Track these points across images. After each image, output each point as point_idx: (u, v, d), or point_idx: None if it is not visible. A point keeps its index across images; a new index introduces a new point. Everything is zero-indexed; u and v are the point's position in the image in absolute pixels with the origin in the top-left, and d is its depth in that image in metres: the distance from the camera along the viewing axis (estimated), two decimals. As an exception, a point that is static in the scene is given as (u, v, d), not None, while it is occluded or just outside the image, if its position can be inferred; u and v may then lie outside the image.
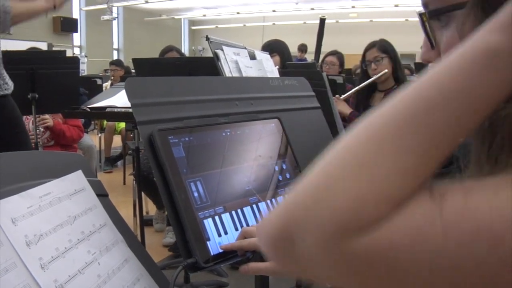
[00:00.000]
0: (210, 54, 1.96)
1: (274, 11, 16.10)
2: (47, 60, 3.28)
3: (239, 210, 1.01)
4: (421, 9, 0.52)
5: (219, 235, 0.95)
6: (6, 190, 0.70)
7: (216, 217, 0.96)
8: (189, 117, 1.03)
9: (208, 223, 0.94)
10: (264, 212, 1.06)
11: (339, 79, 3.54)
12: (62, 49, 7.63)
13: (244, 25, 17.91)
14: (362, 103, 2.94)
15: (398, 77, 2.83)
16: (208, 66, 2.25)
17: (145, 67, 2.84)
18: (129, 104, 0.96)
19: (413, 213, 0.38)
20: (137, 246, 0.88)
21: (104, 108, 2.27)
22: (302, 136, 1.27)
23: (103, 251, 0.79)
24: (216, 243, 0.93)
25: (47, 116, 3.39)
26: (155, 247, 3.29)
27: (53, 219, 0.74)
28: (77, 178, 0.83)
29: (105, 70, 11.25)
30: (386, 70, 2.78)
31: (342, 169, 0.40)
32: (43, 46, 11.78)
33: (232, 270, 2.88)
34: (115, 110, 2.23)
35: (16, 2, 2.08)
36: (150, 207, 4.00)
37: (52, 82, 3.05)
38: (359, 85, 2.93)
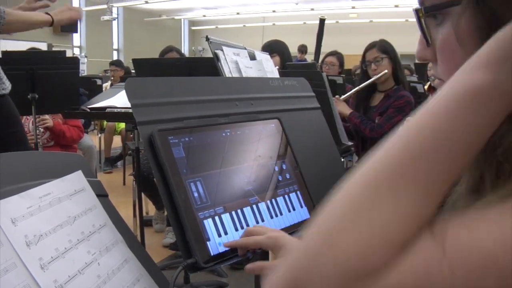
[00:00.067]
0: (210, 55, 1.96)
1: (274, 11, 16.10)
2: (47, 60, 3.28)
3: (239, 210, 1.01)
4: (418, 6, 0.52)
5: (219, 235, 0.95)
6: (6, 190, 0.70)
7: (216, 217, 0.96)
8: (189, 117, 1.03)
9: (208, 223, 0.94)
10: (264, 212, 1.06)
11: (339, 80, 3.54)
12: (62, 49, 7.62)
13: (244, 26, 17.91)
14: (362, 103, 2.94)
15: (398, 78, 2.83)
16: (208, 67, 2.25)
17: (145, 67, 2.84)
18: (129, 105, 0.96)
19: (418, 255, 0.38)
20: (137, 247, 0.88)
21: (104, 108, 2.27)
22: (302, 136, 1.27)
23: (103, 252, 0.79)
24: (216, 243, 0.93)
25: (47, 116, 3.39)
26: (155, 247, 3.29)
27: (53, 219, 0.74)
28: (77, 179, 0.83)
29: (105, 71, 11.25)
30: (386, 71, 2.78)
31: (341, 220, 0.40)
32: (43, 46, 11.79)
33: (232, 270, 2.88)
34: (115, 110, 2.23)
35: (14, 10, 2.07)
36: (150, 208, 4.00)
37: (52, 82, 3.05)
38: (359, 85, 2.93)
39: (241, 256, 0.95)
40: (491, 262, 0.36)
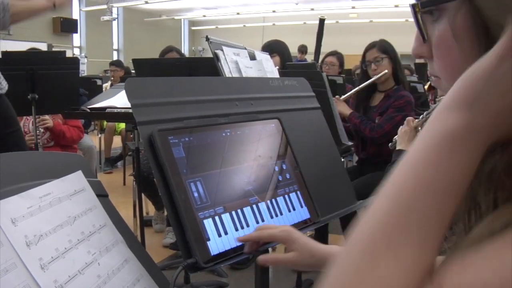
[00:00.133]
0: (210, 55, 1.96)
1: (274, 11, 16.10)
2: (47, 60, 3.27)
3: (239, 210, 1.01)
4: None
5: (219, 235, 0.95)
6: (6, 191, 0.70)
7: (216, 217, 0.96)
8: (189, 117, 1.03)
9: (208, 223, 0.94)
10: (264, 212, 1.06)
11: (339, 80, 3.54)
12: (62, 49, 7.63)
13: (244, 26, 17.91)
14: (362, 103, 2.94)
15: (398, 78, 2.83)
16: (208, 67, 2.25)
17: (145, 67, 2.84)
18: (129, 105, 0.96)
19: None
20: (137, 247, 0.88)
21: (104, 108, 2.27)
22: (302, 136, 1.27)
23: (103, 252, 0.79)
24: (216, 243, 0.93)
25: (47, 116, 3.39)
26: (155, 247, 3.29)
27: (53, 219, 0.74)
28: (77, 179, 0.83)
29: (105, 71, 11.25)
30: (386, 71, 2.78)
31: (347, 285, 0.41)
32: (43, 46, 11.79)
33: (232, 270, 2.88)
34: (115, 110, 2.23)
35: (16, 1, 2.07)
36: (150, 208, 4.00)
37: (52, 82, 3.05)
38: (359, 85, 2.93)
39: (251, 251, 0.97)
40: None
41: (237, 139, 1.08)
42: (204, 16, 18.36)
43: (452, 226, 0.44)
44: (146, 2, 14.61)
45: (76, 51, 14.86)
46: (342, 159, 2.40)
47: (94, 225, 0.80)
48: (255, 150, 1.10)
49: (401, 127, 1.96)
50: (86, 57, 13.69)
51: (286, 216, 1.09)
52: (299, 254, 0.90)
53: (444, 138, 0.41)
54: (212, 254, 0.92)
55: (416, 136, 1.88)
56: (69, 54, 11.11)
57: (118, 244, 0.83)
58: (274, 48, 3.28)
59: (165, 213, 3.50)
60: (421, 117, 1.93)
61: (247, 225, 1.01)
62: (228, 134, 1.07)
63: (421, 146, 0.42)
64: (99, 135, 6.10)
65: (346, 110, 2.88)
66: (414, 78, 5.51)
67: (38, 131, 3.24)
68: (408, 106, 2.72)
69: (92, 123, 6.59)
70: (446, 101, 0.43)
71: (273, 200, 1.09)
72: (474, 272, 0.38)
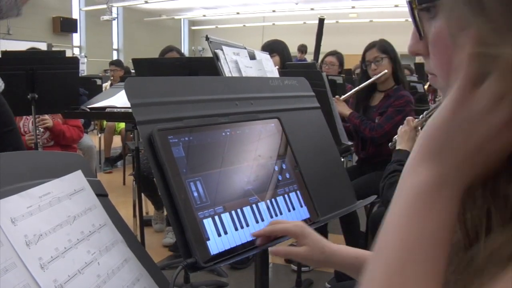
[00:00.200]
0: (210, 54, 1.96)
1: (274, 11, 16.10)
2: (47, 60, 3.27)
3: (238, 210, 1.01)
4: None
5: (219, 235, 0.95)
6: (6, 190, 0.70)
7: (216, 217, 0.96)
8: (189, 117, 1.03)
9: (208, 223, 0.94)
10: (264, 212, 1.06)
11: (339, 79, 3.55)
12: (62, 49, 7.63)
13: (244, 25, 17.91)
14: (362, 103, 2.94)
15: (398, 78, 2.83)
16: (208, 66, 2.26)
17: (145, 67, 2.83)
18: (128, 104, 0.96)
19: None
20: (137, 246, 0.88)
21: (103, 108, 2.27)
22: (302, 136, 1.27)
23: (102, 251, 0.79)
24: (216, 243, 0.93)
25: (46, 116, 3.39)
26: (155, 247, 3.29)
27: (53, 219, 0.74)
28: (77, 178, 0.83)
29: (105, 71, 11.26)
30: (386, 71, 2.78)
31: None
32: (43, 46, 11.79)
33: (232, 270, 2.88)
34: (115, 110, 2.23)
35: None
36: (150, 208, 4.00)
37: (52, 82, 3.04)
38: (359, 85, 2.93)
39: (262, 245, 0.98)
40: None
41: (237, 139, 1.08)
42: (204, 15, 18.36)
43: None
44: (146, 2, 14.61)
45: (76, 51, 14.86)
46: (342, 159, 2.40)
47: (94, 224, 0.80)
48: (255, 149, 1.10)
49: (401, 126, 1.96)
50: (86, 56, 13.69)
51: (286, 215, 1.09)
52: (310, 249, 0.93)
53: (419, 195, 0.43)
54: (211, 253, 0.92)
55: (416, 136, 1.88)
56: (69, 53, 11.11)
57: (118, 243, 0.83)
58: (274, 47, 3.28)
59: (165, 212, 3.50)
60: (421, 116, 1.93)
61: (247, 225, 1.01)
62: (228, 133, 1.07)
63: (401, 205, 0.44)
64: (99, 135, 6.11)
65: (346, 110, 2.88)
66: (414, 78, 5.52)
67: (38, 131, 3.24)
68: (408, 106, 2.72)
69: (92, 122, 6.59)
70: (415, 154, 0.44)
71: (273, 200, 1.09)
72: None
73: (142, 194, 3.03)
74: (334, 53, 4.25)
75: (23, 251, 0.66)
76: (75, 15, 14.75)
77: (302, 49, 9.00)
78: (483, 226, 0.44)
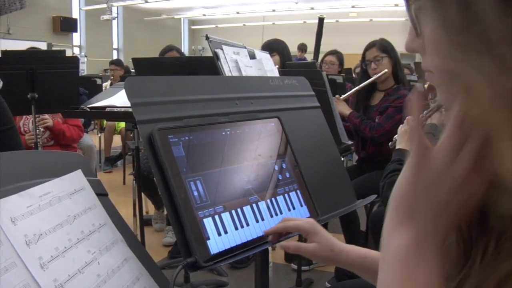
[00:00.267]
0: (210, 54, 1.96)
1: (274, 10, 16.09)
2: (47, 60, 3.27)
3: (238, 209, 1.01)
4: None
5: (219, 234, 0.95)
6: (6, 190, 0.70)
7: (216, 216, 0.96)
8: (189, 116, 1.03)
9: (208, 222, 0.94)
10: (264, 211, 1.06)
11: (339, 79, 3.54)
12: (62, 49, 7.63)
13: (244, 25, 17.91)
14: (362, 102, 2.94)
15: (398, 77, 2.83)
16: (208, 66, 2.25)
17: (145, 66, 2.83)
18: (128, 104, 0.96)
19: None
20: (137, 246, 0.88)
21: (104, 107, 2.27)
22: (302, 135, 1.27)
23: (102, 251, 0.79)
24: (216, 242, 0.93)
25: (46, 116, 3.39)
26: (155, 246, 3.29)
27: (53, 218, 0.74)
28: (77, 178, 0.83)
29: (105, 70, 11.25)
30: (386, 70, 2.78)
31: None
32: (43, 46, 11.78)
33: (232, 269, 2.88)
34: (115, 109, 2.22)
35: None
36: (150, 207, 4.00)
37: (52, 82, 3.04)
38: (359, 84, 2.93)
39: (273, 242, 1.00)
40: None
41: (237, 138, 1.08)
42: (204, 15, 18.35)
43: None
44: (146, 1, 14.60)
45: (76, 50, 14.85)
46: (342, 158, 2.39)
47: (94, 224, 0.80)
48: (255, 149, 1.10)
49: (401, 126, 1.96)
50: (86, 56, 13.67)
51: (286, 215, 1.09)
52: (319, 246, 0.94)
53: (401, 259, 0.44)
54: (212, 253, 0.92)
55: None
56: (68, 53, 11.10)
57: (118, 243, 0.83)
58: (274, 47, 3.28)
59: (165, 212, 3.50)
60: (421, 116, 1.92)
61: (247, 224, 1.01)
62: (228, 133, 1.07)
63: (388, 270, 0.46)
64: (99, 134, 6.11)
65: (346, 110, 2.88)
66: (414, 77, 5.51)
67: (38, 130, 3.24)
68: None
69: (92, 122, 6.59)
70: (390, 218, 0.46)
71: (273, 199, 1.09)
72: None
73: (142, 194, 3.03)
74: (334, 53, 4.25)
75: (23, 250, 0.66)
76: (75, 14, 14.74)
77: (302, 48, 8.99)
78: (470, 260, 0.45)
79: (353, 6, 15.31)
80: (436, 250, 0.44)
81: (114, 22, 15.95)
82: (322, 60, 4.21)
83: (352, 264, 0.94)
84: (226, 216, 0.98)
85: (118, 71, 6.51)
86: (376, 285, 0.47)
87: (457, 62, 0.38)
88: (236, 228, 0.98)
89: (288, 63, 3.27)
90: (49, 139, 3.52)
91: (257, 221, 1.03)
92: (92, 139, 4.67)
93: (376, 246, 0.96)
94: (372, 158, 2.87)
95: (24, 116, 3.46)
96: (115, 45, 16.70)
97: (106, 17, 13.59)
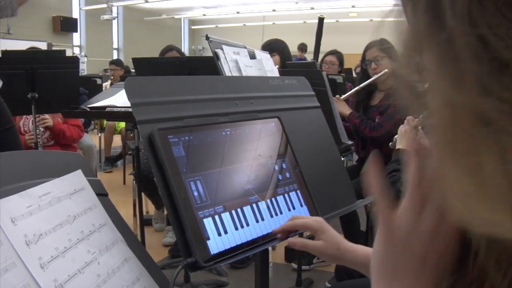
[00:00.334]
0: (210, 54, 1.96)
1: (274, 10, 16.10)
2: (47, 59, 3.27)
3: (239, 209, 1.01)
4: None
5: (219, 234, 0.95)
6: (6, 190, 0.70)
7: (216, 216, 0.96)
8: (189, 116, 1.03)
9: (208, 222, 0.94)
10: (264, 211, 1.06)
11: (339, 79, 3.54)
12: (62, 48, 7.64)
13: (244, 25, 17.91)
14: (362, 102, 2.94)
15: (398, 77, 2.83)
16: (208, 66, 2.25)
17: (145, 66, 2.83)
18: (129, 104, 0.96)
19: None
20: (137, 246, 0.88)
21: (104, 107, 2.27)
22: (302, 135, 1.27)
23: (102, 251, 0.78)
24: (216, 242, 0.93)
25: (47, 116, 3.39)
26: (155, 246, 3.29)
27: (53, 218, 0.74)
28: (77, 178, 0.83)
29: (105, 70, 11.25)
30: (386, 70, 2.78)
31: None
32: (43, 45, 11.78)
33: (232, 269, 2.88)
34: (115, 109, 2.22)
35: None
36: (150, 207, 4.00)
37: (52, 81, 3.04)
38: (359, 85, 2.93)
39: (283, 239, 1.02)
40: None
41: (237, 138, 1.08)
42: (204, 15, 18.35)
43: None
44: (146, 1, 14.60)
45: (76, 50, 14.86)
46: (342, 158, 2.39)
47: (94, 224, 0.80)
48: (255, 149, 1.10)
49: (401, 126, 1.96)
50: (86, 56, 13.68)
51: (286, 215, 1.09)
52: (327, 244, 0.95)
53: None
54: (212, 253, 0.92)
55: (417, 135, 1.88)
56: (69, 53, 11.10)
57: (118, 243, 0.83)
58: (274, 47, 3.28)
59: (165, 212, 3.50)
60: (421, 116, 1.92)
61: (247, 224, 1.01)
62: (228, 133, 1.07)
63: None
64: (99, 134, 6.11)
65: (346, 110, 2.88)
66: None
67: (38, 130, 3.24)
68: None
69: (92, 122, 6.59)
70: (374, 285, 0.48)
71: (273, 199, 1.09)
72: None
73: (142, 194, 3.03)
74: (334, 53, 4.25)
75: (23, 250, 0.66)
76: (75, 14, 14.74)
77: (302, 47, 9.00)
78: None
79: (353, 6, 15.31)
80: None
81: (114, 22, 15.95)
82: (322, 60, 4.21)
83: (357, 263, 0.94)
84: (226, 216, 0.98)
85: (118, 71, 6.51)
86: None
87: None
88: (236, 228, 0.98)
89: (288, 63, 3.27)
90: (49, 139, 3.52)
91: (257, 221, 1.03)
92: (92, 139, 4.67)
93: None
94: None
95: (24, 116, 3.46)
96: (115, 45, 16.71)
97: (106, 17, 13.60)
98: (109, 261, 0.78)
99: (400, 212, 0.45)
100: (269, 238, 1.04)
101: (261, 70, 2.08)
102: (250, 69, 2.01)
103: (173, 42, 5.18)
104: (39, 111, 3.15)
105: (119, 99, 2.25)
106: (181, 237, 0.90)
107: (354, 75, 5.29)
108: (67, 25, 14.04)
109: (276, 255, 3.13)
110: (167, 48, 3.69)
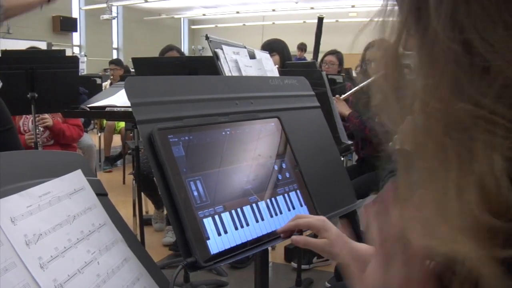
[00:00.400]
0: (210, 53, 1.96)
1: (273, 10, 16.10)
2: (47, 59, 3.27)
3: (238, 209, 1.01)
4: None
5: (219, 234, 0.95)
6: (6, 190, 0.70)
7: (216, 216, 0.96)
8: (189, 116, 1.03)
9: (208, 222, 0.94)
10: (263, 211, 1.06)
11: (339, 78, 3.54)
12: (62, 48, 7.63)
13: (244, 25, 17.91)
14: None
15: (398, 77, 2.83)
16: (208, 66, 2.25)
17: (145, 66, 2.83)
18: (128, 104, 0.96)
19: None
20: (136, 246, 0.88)
21: (103, 107, 2.26)
22: (302, 135, 1.27)
23: (102, 251, 0.78)
24: (215, 242, 0.93)
25: (46, 115, 3.39)
26: (155, 246, 3.29)
27: (53, 218, 0.74)
28: (77, 178, 0.83)
29: (105, 70, 11.26)
30: (386, 70, 2.77)
31: None
32: (43, 45, 11.78)
33: (232, 269, 2.88)
34: (115, 109, 2.22)
35: None
36: (149, 207, 4.00)
37: (52, 81, 3.04)
38: (359, 85, 2.92)
39: (285, 238, 1.02)
40: None
41: (237, 138, 1.08)
42: (204, 15, 18.35)
43: None
44: (146, 1, 14.60)
45: (76, 50, 14.85)
46: (342, 158, 2.39)
47: (93, 224, 0.80)
48: (255, 149, 1.10)
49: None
50: (85, 55, 13.69)
51: (285, 215, 1.09)
52: (329, 242, 0.96)
53: None
54: (211, 253, 0.92)
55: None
56: (68, 52, 11.11)
57: (118, 243, 0.83)
58: (274, 47, 3.28)
59: (165, 212, 3.50)
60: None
61: (247, 224, 1.01)
62: (228, 133, 1.06)
63: None
64: (99, 134, 6.11)
65: (346, 110, 2.88)
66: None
67: (37, 130, 3.24)
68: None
69: (92, 122, 6.59)
70: None
71: (273, 199, 1.09)
72: None
73: (142, 193, 3.03)
74: (333, 52, 4.25)
75: (23, 250, 0.66)
76: (75, 14, 14.73)
77: (302, 47, 8.99)
78: None
79: (353, 6, 15.30)
80: None
81: (114, 22, 15.95)
82: (322, 60, 4.21)
83: (360, 262, 0.95)
84: (226, 216, 0.98)
85: (118, 71, 6.50)
86: None
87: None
88: (236, 228, 0.98)
89: (288, 63, 3.27)
90: (49, 139, 3.52)
91: (257, 221, 1.03)
92: (92, 138, 4.67)
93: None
94: (372, 158, 2.87)
95: (24, 116, 3.46)
96: (115, 45, 16.70)
97: (106, 16, 13.60)
98: (109, 261, 0.78)
99: (369, 272, 0.45)
100: (269, 238, 1.04)
101: (261, 70, 2.08)
102: (250, 69, 2.01)
103: (172, 42, 5.18)
104: (39, 110, 3.15)
105: (119, 99, 2.25)
106: (181, 237, 0.90)
107: (354, 75, 5.28)
108: (66, 25, 14.04)
109: (276, 254, 3.13)
110: (167, 48, 3.69)
